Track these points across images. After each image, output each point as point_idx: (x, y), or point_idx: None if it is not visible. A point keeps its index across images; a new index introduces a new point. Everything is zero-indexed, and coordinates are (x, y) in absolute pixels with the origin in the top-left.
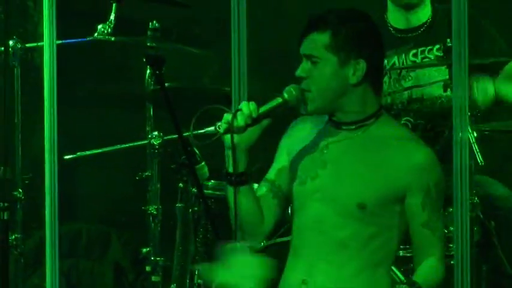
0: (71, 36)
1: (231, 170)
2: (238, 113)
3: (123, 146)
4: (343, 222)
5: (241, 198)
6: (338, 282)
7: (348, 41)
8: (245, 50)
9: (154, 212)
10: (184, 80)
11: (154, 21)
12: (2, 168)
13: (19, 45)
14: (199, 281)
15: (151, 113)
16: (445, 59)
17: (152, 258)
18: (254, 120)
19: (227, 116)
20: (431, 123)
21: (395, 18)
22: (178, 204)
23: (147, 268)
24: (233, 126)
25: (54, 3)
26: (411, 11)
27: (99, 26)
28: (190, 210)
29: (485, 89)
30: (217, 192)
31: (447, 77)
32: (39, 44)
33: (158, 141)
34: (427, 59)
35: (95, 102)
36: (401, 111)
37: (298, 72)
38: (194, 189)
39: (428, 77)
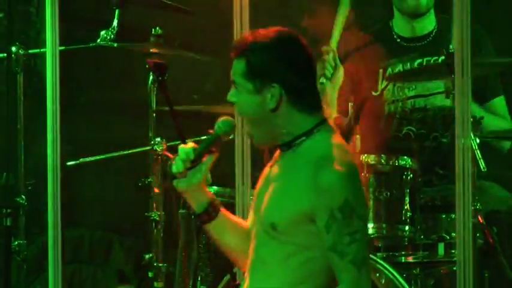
0: (74, 43)
1: (198, 211)
2: (176, 159)
3: (126, 152)
4: (264, 240)
5: (218, 234)
6: None
7: (260, 67)
8: None
9: (157, 218)
10: (187, 86)
11: (157, 28)
12: (5, 174)
13: (22, 52)
14: (202, 287)
15: (154, 119)
16: (448, 65)
17: (155, 264)
18: (193, 162)
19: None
20: (433, 133)
21: (401, 26)
22: (181, 211)
23: (150, 274)
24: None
25: (56, 9)
26: (417, 20)
27: (102, 32)
28: (193, 216)
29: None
30: (220, 198)
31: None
32: (41, 50)
33: (161, 148)
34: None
35: (98, 108)
36: (404, 120)
37: (228, 97)
38: None
39: (431, 87)
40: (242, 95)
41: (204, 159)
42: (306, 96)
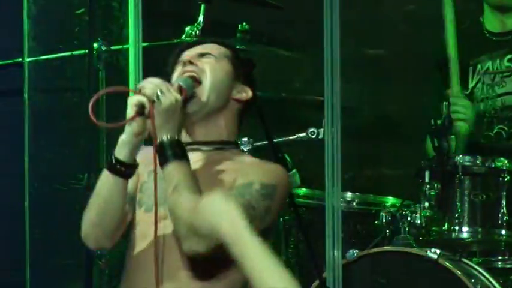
0: (158, 39)
1: (126, 159)
2: (161, 94)
3: None
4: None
5: (119, 193)
6: None
7: (242, 67)
8: (338, 53)
9: None
10: (275, 84)
11: (244, 23)
12: (86, 175)
13: (104, 48)
14: None
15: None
16: None
17: None
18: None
19: (140, 98)
20: None
21: (491, 21)
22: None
23: None
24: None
25: (140, 4)
26: (507, 14)
27: (187, 28)
28: (281, 219)
29: None
30: (309, 201)
31: None
32: (124, 46)
33: (248, 148)
34: None
35: None
36: (495, 118)
37: (186, 59)
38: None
39: None
40: (216, 62)
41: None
42: (243, 118)
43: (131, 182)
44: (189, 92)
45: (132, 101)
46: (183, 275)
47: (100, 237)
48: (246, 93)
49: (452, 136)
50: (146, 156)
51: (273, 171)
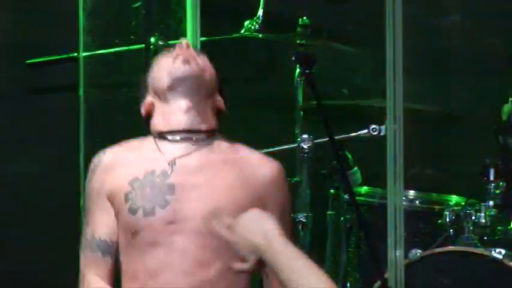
0: (216, 33)
1: None
2: None
3: (271, 149)
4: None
5: None
6: None
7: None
8: (400, 48)
9: (304, 220)
10: (335, 80)
11: (304, 17)
12: None
13: (161, 42)
14: None
15: (301, 115)
16: None
17: None
18: None
19: None
20: None
21: None
22: (329, 212)
23: None
24: None
25: None
26: None
27: (246, 22)
28: (342, 218)
29: None
30: (371, 199)
31: None
32: (182, 40)
33: (308, 145)
34: None
35: (241, 102)
36: None
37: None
38: (346, 196)
39: None
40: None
41: None
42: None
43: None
44: None
45: None
46: (198, 280)
47: None
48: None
49: None
50: (141, 153)
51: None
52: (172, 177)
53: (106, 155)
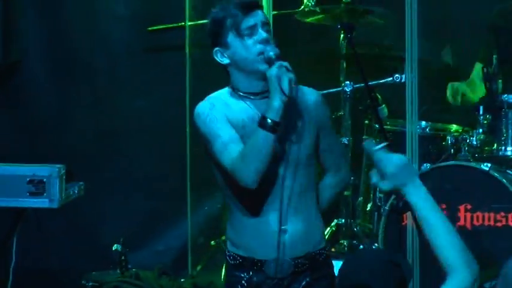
0: (284, 8)
1: (278, 119)
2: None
3: (325, 91)
4: (300, 173)
5: (272, 144)
6: (307, 225)
7: None
8: (416, 15)
9: (347, 142)
10: (369, 42)
11: None
12: None
13: None
14: (380, 195)
15: (344, 66)
16: None
17: None
18: None
19: (290, 75)
20: None
21: None
22: (364, 137)
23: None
24: None
25: None
26: None
27: (305, 0)
28: (374, 141)
29: (456, 93)
30: (394, 128)
31: None
32: None
33: (350, 89)
34: None
35: (301, 59)
36: None
37: (267, 36)
38: (377, 125)
39: None
40: (272, 36)
41: None
42: None
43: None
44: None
45: (286, 76)
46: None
47: (257, 180)
48: None
49: (500, 80)
50: (228, 111)
51: None
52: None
53: (209, 100)
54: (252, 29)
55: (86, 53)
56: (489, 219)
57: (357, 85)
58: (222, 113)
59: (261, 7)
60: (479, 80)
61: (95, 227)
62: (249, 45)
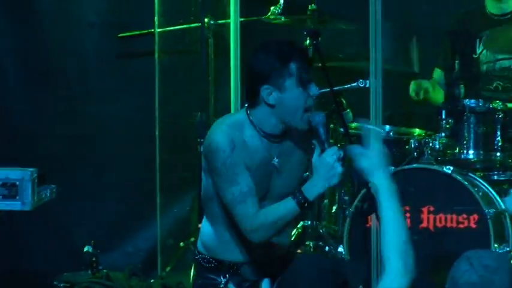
0: (251, 15)
1: (312, 200)
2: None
3: None
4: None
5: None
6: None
7: None
8: (380, 25)
9: (313, 146)
10: (334, 48)
11: (312, 4)
12: (199, 113)
13: (212, 22)
14: (345, 197)
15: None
16: None
17: None
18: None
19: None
20: None
21: (492, 6)
22: (330, 140)
23: None
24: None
25: None
26: (503, 1)
27: (272, 8)
28: (338, 144)
29: (419, 88)
30: (359, 132)
31: None
32: (227, 20)
33: (316, 94)
34: None
35: None
36: (494, 76)
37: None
38: (342, 129)
39: None
40: None
41: None
42: None
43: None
44: None
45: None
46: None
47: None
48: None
49: (462, 85)
50: (242, 148)
51: None
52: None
53: (229, 137)
54: (310, 83)
55: (58, 60)
56: (451, 221)
57: (323, 90)
58: (241, 157)
59: None
60: (437, 85)
61: (67, 230)
62: (304, 98)
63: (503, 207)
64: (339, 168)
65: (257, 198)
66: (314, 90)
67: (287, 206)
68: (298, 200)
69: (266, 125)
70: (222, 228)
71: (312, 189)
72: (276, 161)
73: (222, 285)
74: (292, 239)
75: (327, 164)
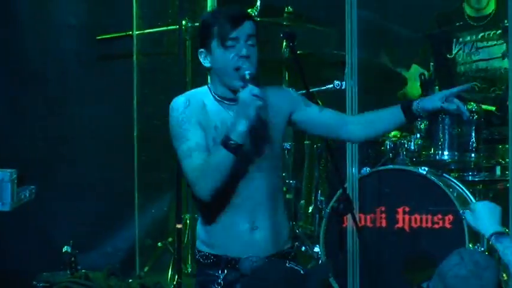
0: None
1: (242, 142)
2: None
3: None
4: (266, 167)
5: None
6: (276, 222)
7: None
8: (356, 26)
9: (289, 147)
10: (311, 50)
11: (289, 6)
12: None
13: (190, 24)
14: (321, 198)
15: (287, 76)
16: (503, 36)
17: (286, 181)
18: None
19: (258, 101)
20: (492, 87)
21: (469, 9)
22: (306, 142)
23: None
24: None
25: None
26: (481, 6)
27: (249, 10)
28: (315, 146)
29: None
30: None
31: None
32: None
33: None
34: (491, 41)
35: None
36: (471, 77)
37: (247, 52)
38: None
39: (491, 53)
40: (255, 50)
41: None
42: None
43: (202, 135)
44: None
45: (255, 103)
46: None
47: (214, 194)
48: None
49: (436, 87)
50: (201, 113)
51: None
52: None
53: (186, 97)
54: (235, 42)
55: (37, 62)
56: (427, 221)
57: (299, 92)
58: (195, 114)
59: (251, 18)
60: (413, 79)
61: (46, 230)
62: (229, 58)
63: None
64: (255, 102)
65: (205, 154)
66: (241, 49)
67: (219, 152)
68: (224, 142)
69: (218, 90)
70: (210, 222)
71: (234, 128)
72: None
73: (220, 280)
74: None
75: (242, 102)
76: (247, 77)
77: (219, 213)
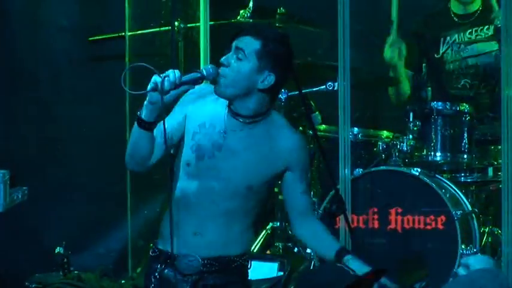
0: (221, 19)
1: (146, 118)
2: (166, 78)
3: None
4: (232, 197)
5: (143, 139)
6: (226, 237)
7: (270, 55)
8: (348, 27)
9: None
10: (303, 52)
11: (281, 7)
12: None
13: (182, 25)
14: (314, 199)
15: None
16: (495, 35)
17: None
18: (176, 86)
19: (156, 78)
20: (483, 83)
21: (456, 7)
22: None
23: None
24: (162, 89)
25: None
26: (467, 2)
27: (241, 11)
28: (307, 147)
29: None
30: (328, 134)
31: (494, 48)
32: (196, 24)
33: (284, 96)
34: (479, 36)
35: None
36: (461, 74)
37: (223, 59)
38: (310, 132)
39: (480, 49)
40: (242, 64)
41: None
42: (279, 91)
43: (172, 123)
44: (209, 78)
45: (152, 79)
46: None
47: (134, 165)
48: (269, 82)
49: (429, 88)
50: (201, 105)
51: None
52: (223, 141)
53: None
54: (229, 50)
55: (29, 63)
56: (419, 223)
57: (291, 93)
58: (186, 106)
59: (252, 33)
60: (403, 78)
61: (38, 231)
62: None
63: (470, 208)
64: (153, 79)
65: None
66: (224, 57)
67: (134, 127)
68: (137, 119)
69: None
70: (166, 215)
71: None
72: (228, 136)
73: (157, 273)
74: (261, 240)
75: (154, 81)
76: (203, 70)
77: (175, 209)
